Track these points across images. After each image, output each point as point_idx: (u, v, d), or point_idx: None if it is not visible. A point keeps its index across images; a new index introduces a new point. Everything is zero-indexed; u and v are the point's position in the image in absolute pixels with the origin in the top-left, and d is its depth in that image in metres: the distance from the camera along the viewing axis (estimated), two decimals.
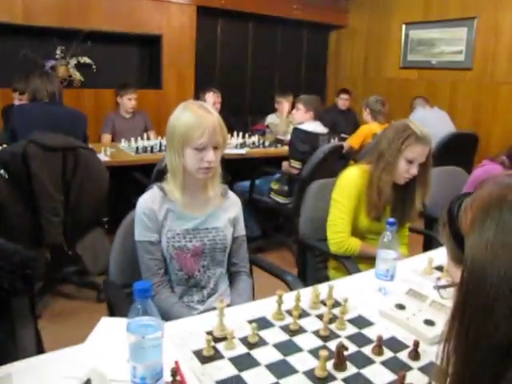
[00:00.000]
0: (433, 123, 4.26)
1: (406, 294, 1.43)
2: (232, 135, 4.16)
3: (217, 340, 1.20)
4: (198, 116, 1.48)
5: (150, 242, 1.56)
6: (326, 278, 2.12)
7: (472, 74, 4.86)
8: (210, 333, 1.22)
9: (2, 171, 2.40)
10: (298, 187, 3.21)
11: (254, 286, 1.92)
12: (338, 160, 3.47)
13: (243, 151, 3.73)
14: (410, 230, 2.37)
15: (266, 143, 4.08)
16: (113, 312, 1.53)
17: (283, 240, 3.82)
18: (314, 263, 2.17)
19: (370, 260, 1.95)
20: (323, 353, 1.05)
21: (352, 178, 1.95)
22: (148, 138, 3.95)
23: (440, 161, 4.13)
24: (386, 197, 1.90)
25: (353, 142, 3.86)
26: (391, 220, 1.50)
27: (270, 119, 4.88)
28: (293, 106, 3.95)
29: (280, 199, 3.46)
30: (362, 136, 3.84)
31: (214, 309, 1.60)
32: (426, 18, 5.15)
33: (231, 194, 1.72)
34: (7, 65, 4.33)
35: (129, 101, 4.14)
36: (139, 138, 3.80)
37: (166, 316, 1.54)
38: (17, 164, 2.37)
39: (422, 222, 2.70)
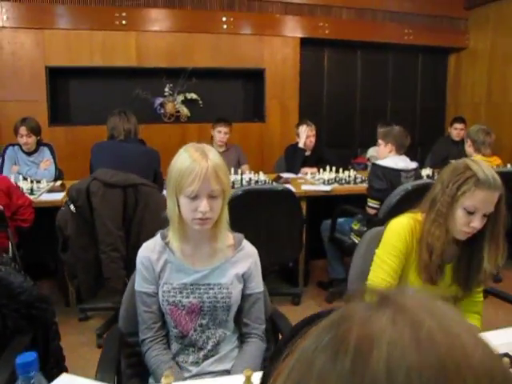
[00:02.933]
0: None
1: None
2: (324, 170, 3.93)
3: None
4: (191, 161, 1.34)
5: (146, 294, 1.46)
6: None
7: None
8: None
9: (72, 206, 2.55)
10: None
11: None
12: None
13: (328, 188, 3.47)
14: (491, 293, 1.93)
15: (359, 179, 3.76)
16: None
17: None
18: None
19: None
20: None
21: (399, 229, 1.62)
22: (242, 173, 3.90)
23: None
24: (439, 256, 1.53)
25: None
26: None
27: (372, 152, 4.54)
28: None
29: (357, 241, 3.13)
30: None
31: (209, 373, 1.44)
32: None
33: (246, 245, 1.53)
34: (122, 104, 4.71)
35: (218, 133, 4.18)
36: (232, 173, 3.78)
37: (155, 375, 1.42)
38: (82, 200, 2.49)
39: None
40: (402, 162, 3.12)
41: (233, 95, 5.33)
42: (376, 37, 5.24)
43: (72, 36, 4.53)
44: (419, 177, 3.30)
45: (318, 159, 4.21)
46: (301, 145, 4.10)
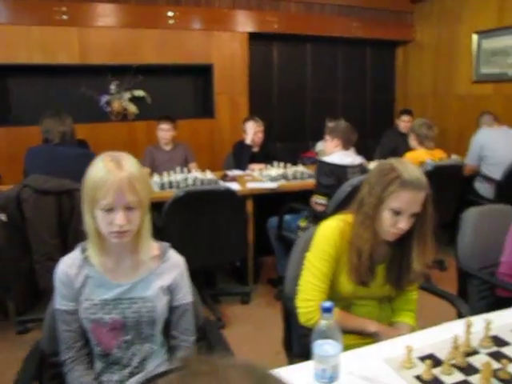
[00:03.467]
0: (499, 146, 3.66)
1: None
2: (272, 165, 3.91)
3: None
4: (105, 172, 1.27)
5: (65, 312, 1.38)
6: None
7: None
8: None
9: (2, 215, 2.42)
10: None
11: None
12: None
13: (274, 185, 3.45)
14: (426, 290, 1.95)
15: (306, 174, 3.75)
16: None
17: None
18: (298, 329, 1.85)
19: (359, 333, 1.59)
20: None
21: (328, 233, 1.60)
22: (189, 171, 3.82)
23: (509, 192, 3.51)
24: (368, 258, 1.53)
25: None
26: (327, 305, 1.16)
27: (320, 146, 4.55)
28: None
29: None
30: None
31: None
32: (501, 24, 4.49)
33: (172, 255, 1.47)
34: (68, 102, 4.54)
35: (161, 131, 4.09)
36: (178, 171, 3.69)
37: None
38: (12, 208, 2.37)
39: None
40: (348, 158, 3.11)
41: (181, 91, 5.23)
42: (325, 31, 5.25)
43: (8, 31, 4.30)
44: (365, 171, 3.32)
45: (266, 155, 4.18)
46: (248, 141, 4.07)
